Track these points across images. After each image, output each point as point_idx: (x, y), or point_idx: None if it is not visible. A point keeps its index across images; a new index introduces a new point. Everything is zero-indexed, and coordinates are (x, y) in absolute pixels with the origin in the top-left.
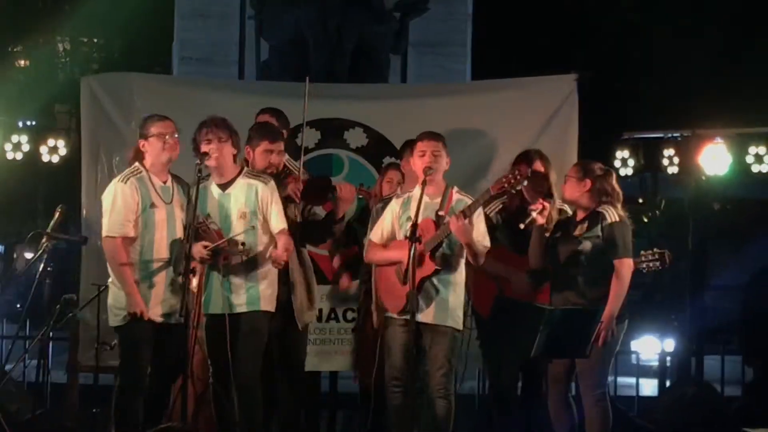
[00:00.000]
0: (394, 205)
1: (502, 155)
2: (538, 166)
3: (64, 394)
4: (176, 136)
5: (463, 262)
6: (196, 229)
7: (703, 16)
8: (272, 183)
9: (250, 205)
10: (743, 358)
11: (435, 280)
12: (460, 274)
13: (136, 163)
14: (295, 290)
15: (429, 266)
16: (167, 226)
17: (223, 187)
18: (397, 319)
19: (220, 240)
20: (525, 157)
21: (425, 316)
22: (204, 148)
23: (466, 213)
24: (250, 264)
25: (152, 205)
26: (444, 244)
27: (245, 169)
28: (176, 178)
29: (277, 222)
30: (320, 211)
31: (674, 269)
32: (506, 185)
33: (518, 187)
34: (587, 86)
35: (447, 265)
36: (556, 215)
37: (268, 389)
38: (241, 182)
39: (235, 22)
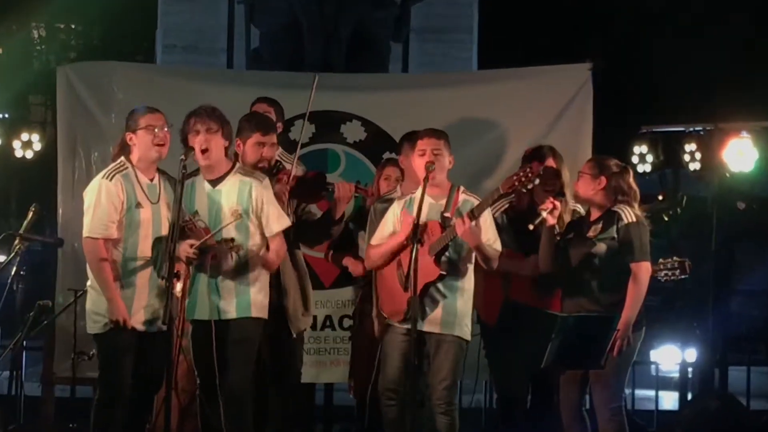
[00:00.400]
0: (395, 208)
1: (510, 150)
2: (551, 162)
3: (39, 407)
4: (166, 129)
5: (471, 267)
6: (182, 227)
7: (727, 2)
8: (267, 181)
9: (242, 203)
10: None
11: (441, 286)
12: (469, 280)
13: (122, 158)
14: (288, 295)
15: (434, 271)
16: (152, 226)
17: (214, 182)
18: (398, 327)
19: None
20: (536, 154)
21: (430, 324)
22: (192, 140)
23: (474, 214)
24: (241, 267)
25: (138, 205)
26: (450, 248)
27: (238, 164)
28: (164, 174)
29: (274, 224)
30: (316, 210)
31: (697, 273)
32: (516, 183)
33: (529, 186)
34: (602, 76)
35: (453, 270)
36: (568, 216)
37: (258, 401)
38: (234, 179)
39: (224, 7)
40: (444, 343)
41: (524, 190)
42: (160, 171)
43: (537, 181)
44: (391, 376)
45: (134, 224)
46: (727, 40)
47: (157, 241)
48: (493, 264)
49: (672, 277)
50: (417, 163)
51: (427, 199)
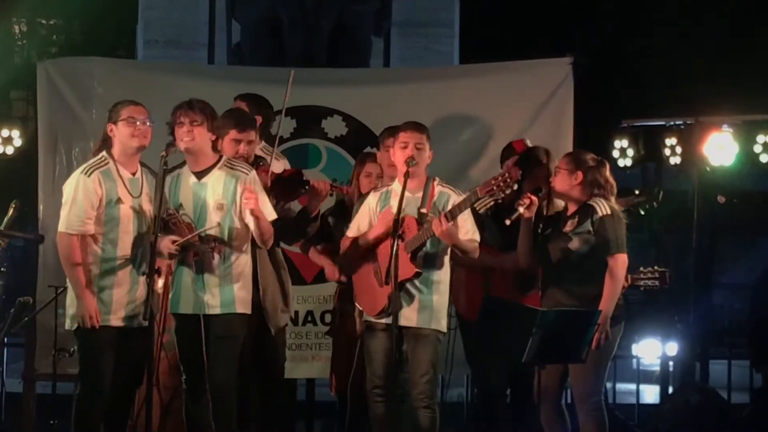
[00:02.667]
0: (371, 200)
1: (491, 144)
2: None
3: (20, 404)
4: (148, 123)
5: (447, 260)
6: (165, 222)
7: None
8: (254, 173)
9: (228, 196)
10: (752, 362)
11: (417, 281)
12: (445, 273)
13: (103, 153)
14: (266, 292)
15: (409, 268)
16: (133, 222)
17: (199, 175)
18: (377, 323)
19: (191, 234)
20: (531, 154)
21: (407, 319)
22: (177, 131)
23: (453, 214)
24: (225, 262)
25: (118, 201)
26: (427, 244)
27: (224, 157)
28: (146, 168)
29: (267, 213)
30: (296, 206)
31: (678, 267)
32: (494, 188)
33: (507, 191)
34: (583, 70)
35: (429, 265)
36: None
37: (239, 397)
38: (220, 172)
39: (204, 1)
40: (422, 338)
41: (501, 195)
42: (142, 165)
43: (515, 187)
44: (378, 373)
45: (114, 220)
46: (708, 34)
47: (139, 238)
48: (474, 254)
49: (651, 287)
50: (398, 155)
51: (406, 193)
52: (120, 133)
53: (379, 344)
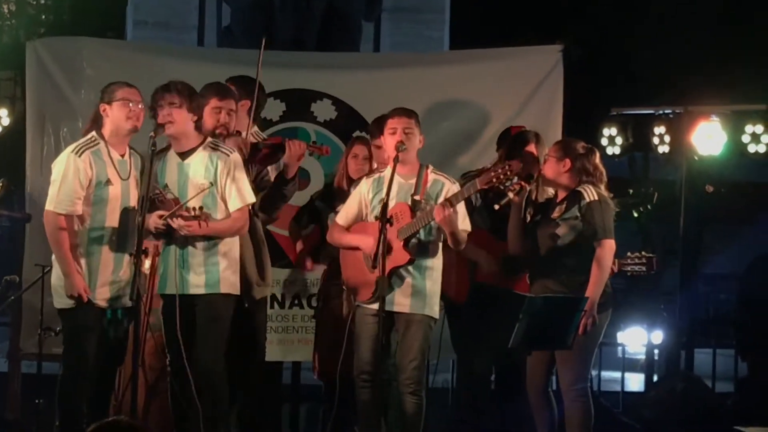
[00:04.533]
0: (362, 185)
1: (481, 131)
2: (531, 148)
3: (5, 383)
4: (141, 106)
5: (440, 247)
6: (152, 200)
7: None
8: (235, 155)
9: (209, 177)
10: (737, 351)
11: (410, 267)
12: (438, 260)
13: (93, 133)
14: (243, 264)
15: (402, 256)
16: (121, 203)
17: (183, 156)
18: (367, 308)
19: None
20: (520, 138)
21: (399, 304)
22: (158, 114)
23: (453, 202)
24: (209, 241)
25: (107, 182)
26: (420, 231)
27: (209, 138)
28: (134, 150)
29: (235, 199)
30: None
31: (664, 255)
32: (494, 180)
33: (507, 184)
34: (573, 58)
35: (422, 252)
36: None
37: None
38: (203, 152)
39: None
40: (413, 323)
41: (501, 187)
42: (130, 147)
43: (515, 180)
44: (365, 358)
45: (102, 201)
46: (697, 23)
47: (125, 219)
48: (462, 245)
49: (638, 272)
50: (387, 141)
51: (397, 178)
52: (114, 114)
53: (368, 330)
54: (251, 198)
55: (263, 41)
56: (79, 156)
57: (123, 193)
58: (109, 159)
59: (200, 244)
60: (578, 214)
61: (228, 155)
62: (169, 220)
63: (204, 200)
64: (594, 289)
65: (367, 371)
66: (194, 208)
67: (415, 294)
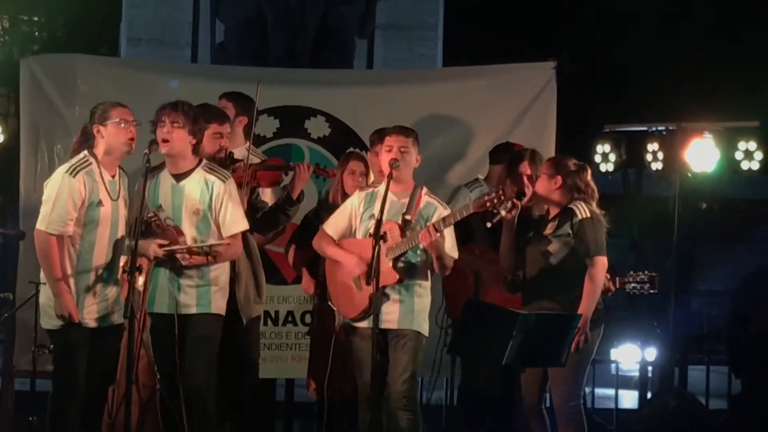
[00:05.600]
0: (354, 199)
1: (473, 148)
2: (525, 168)
3: None
4: (135, 126)
5: (429, 269)
6: (148, 223)
7: (691, 3)
8: (231, 181)
9: (204, 201)
10: (730, 368)
11: (397, 286)
12: (427, 279)
13: (85, 152)
14: (239, 281)
15: (391, 275)
16: (110, 224)
17: (178, 178)
18: (360, 328)
19: (179, 236)
20: (516, 158)
21: (388, 322)
22: (158, 130)
23: (438, 227)
24: (202, 266)
25: (99, 203)
26: (409, 252)
27: (204, 161)
28: (122, 170)
29: (230, 226)
30: (269, 198)
31: (658, 273)
32: (488, 204)
33: (501, 209)
34: (566, 75)
35: (411, 272)
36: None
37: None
38: (198, 176)
39: (188, 0)
40: (401, 338)
41: (495, 212)
42: (119, 167)
43: (509, 204)
44: (369, 382)
45: (93, 222)
46: (690, 40)
47: (114, 240)
48: (447, 271)
49: (640, 291)
50: (383, 158)
51: (390, 195)
52: (110, 135)
53: (369, 353)
54: (245, 225)
55: (258, 87)
56: (74, 176)
57: (113, 213)
58: (101, 179)
59: (193, 269)
60: (570, 231)
61: (224, 180)
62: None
63: (198, 224)
64: (586, 306)
65: (371, 397)
66: (206, 246)
67: (403, 312)
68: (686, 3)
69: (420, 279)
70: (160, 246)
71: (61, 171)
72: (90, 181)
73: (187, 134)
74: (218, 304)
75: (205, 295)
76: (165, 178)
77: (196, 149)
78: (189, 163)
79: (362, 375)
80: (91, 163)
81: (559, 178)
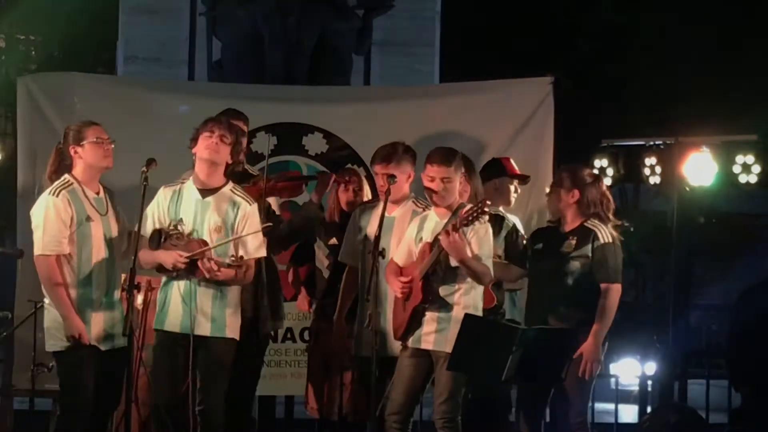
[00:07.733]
0: (411, 229)
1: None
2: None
3: None
4: (111, 143)
5: (466, 282)
6: (166, 234)
7: (689, 17)
8: (255, 206)
9: (227, 220)
10: (730, 382)
11: (432, 306)
12: (466, 295)
13: (66, 176)
14: (257, 296)
15: (419, 296)
16: (104, 239)
17: (204, 193)
18: (406, 350)
19: (203, 248)
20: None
21: (426, 342)
22: (202, 139)
23: (455, 227)
24: (218, 286)
25: (88, 218)
26: (439, 268)
27: (231, 183)
28: (105, 187)
29: (251, 251)
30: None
31: (656, 287)
32: (470, 218)
33: (480, 219)
34: (564, 90)
35: (443, 290)
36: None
37: None
38: (225, 194)
39: (185, 18)
40: (440, 359)
41: (477, 223)
42: (101, 184)
43: (486, 213)
44: (398, 400)
45: (86, 237)
46: (688, 55)
47: (110, 256)
48: (485, 279)
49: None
50: (425, 183)
51: (434, 218)
52: (88, 154)
53: (403, 371)
54: (262, 253)
55: (269, 139)
56: (57, 196)
57: (104, 228)
58: (85, 197)
59: (209, 286)
60: (589, 254)
61: (249, 205)
62: (199, 262)
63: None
64: (598, 333)
65: (397, 412)
66: (236, 257)
67: (439, 332)
68: (684, 18)
69: (456, 294)
70: (182, 255)
71: (44, 195)
72: (74, 198)
73: (228, 153)
74: (233, 327)
75: (221, 317)
76: (190, 192)
77: (227, 169)
78: (218, 180)
79: (393, 391)
80: (72, 183)
81: (576, 192)
